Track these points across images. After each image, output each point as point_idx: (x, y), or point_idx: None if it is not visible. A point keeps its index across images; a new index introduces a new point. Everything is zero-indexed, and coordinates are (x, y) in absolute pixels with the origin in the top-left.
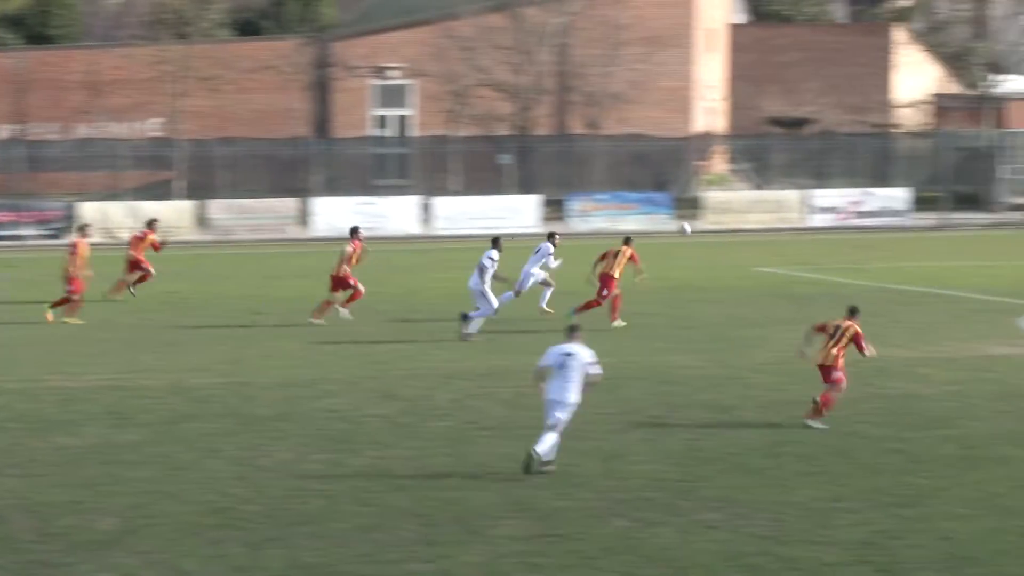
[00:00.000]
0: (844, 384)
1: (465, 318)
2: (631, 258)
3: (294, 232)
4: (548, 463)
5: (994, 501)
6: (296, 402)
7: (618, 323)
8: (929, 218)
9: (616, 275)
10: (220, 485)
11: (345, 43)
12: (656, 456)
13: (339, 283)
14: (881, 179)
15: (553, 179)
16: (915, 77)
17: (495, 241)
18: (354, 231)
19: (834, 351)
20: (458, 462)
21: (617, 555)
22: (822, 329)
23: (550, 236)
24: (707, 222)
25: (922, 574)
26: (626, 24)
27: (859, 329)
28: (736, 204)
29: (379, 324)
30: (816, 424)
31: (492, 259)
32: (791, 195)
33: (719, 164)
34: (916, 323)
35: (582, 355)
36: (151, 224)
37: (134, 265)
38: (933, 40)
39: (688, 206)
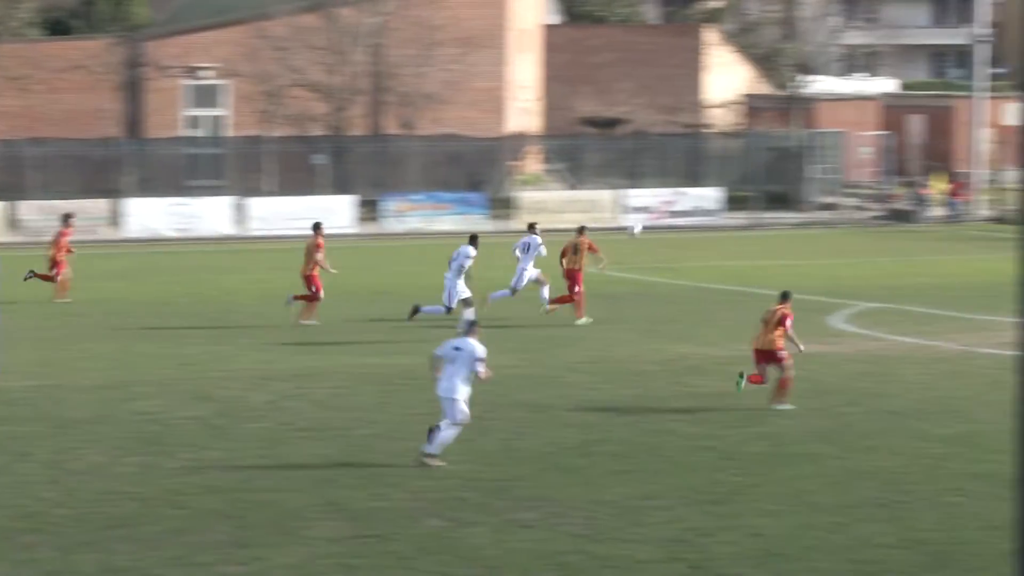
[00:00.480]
0: (789, 362)
1: (417, 311)
2: (590, 247)
3: (106, 233)
4: (433, 457)
5: (803, 498)
6: (109, 405)
7: (583, 320)
8: (740, 217)
9: (579, 268)
10: (31, 490)
11: (157, 43)
12: (472, 456)
13: (309, 281)
14: (693, 179)
15: (368, 179)
16: (726, 78)
17: (473, 238)
18: (316, 227)
19: (771, 336)
20: (272, 463)
21: (432, 555)
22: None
23: (531, 227)
24: (521, 222)
25: (734, 570)
26: (440, 25)
27: (789, 312)
28: (550, 204)
29: (193, 326)
30: (784, 406)
31: (470, 256)
32: (605, 195)
33: (533, 164)
34: (728, 322)
35: (471, 350)
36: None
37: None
38: (743, 41)
39: (502, 206)
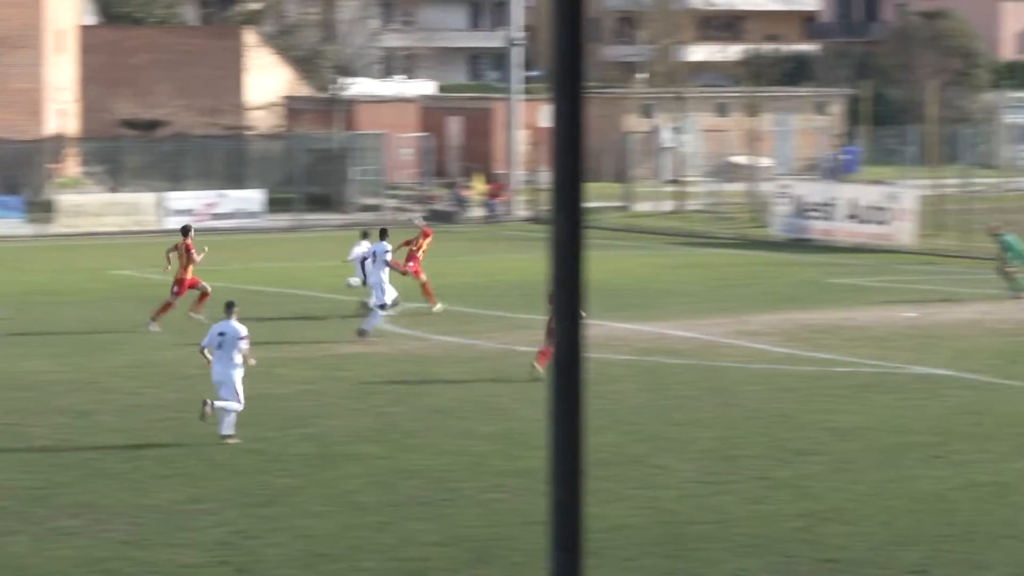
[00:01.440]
0: None
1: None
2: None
3: None
4: (230, 437)
5: (349, 498)
6: None
7: (438, 307)
8: (283, 219)
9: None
10: None
11: None
12: (10, 464)
13: (190, 284)
14: (236, 181)
15: None
16: (267, 80)
17: (383, 232)
18: (186, 230)
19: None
20: None
21: None
22: None
23: (382, 234)
24: (61, 225)
25: (280, 572)
26: None
27: None
28: (90, 207)
29: None
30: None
31: (388, 250)
32: (146, 198)
33: (72, 167)
34: (271, 323)
35: (234, 332)
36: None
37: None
38: (283, 43)
39: (41, 209)
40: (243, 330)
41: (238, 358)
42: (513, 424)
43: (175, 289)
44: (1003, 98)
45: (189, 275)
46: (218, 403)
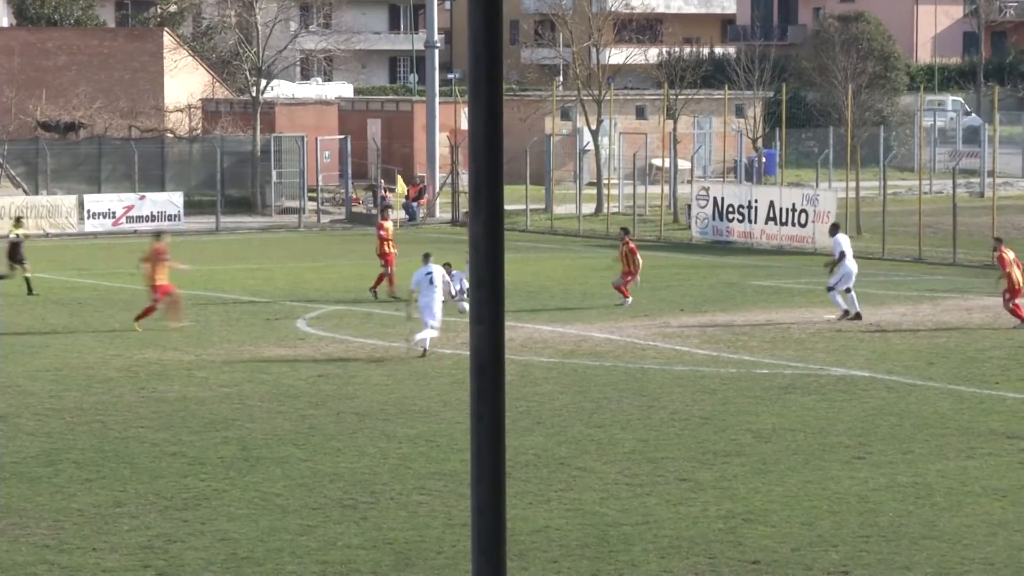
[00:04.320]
0: None
1: None
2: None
3: None
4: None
5: (272, 501)
6: None
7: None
8: (203, 222)
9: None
10: None
11: None
12: None
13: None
14: (155, 183)
15: None
16: (185, 82)
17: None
18: (158, 235)
19: None
20: None
21: None
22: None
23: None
24: None
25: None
26: None
27: None
28: (8, 210)
29: None
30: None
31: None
32: (65, 200)
33: None
34: (192, 326)
35: (436, 272)
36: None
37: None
38: (201, 45)
39: None
40: (442, 270)
41: (439, 291)
42: (435, 426)
43: (155, 296)
44: (920, 101)
45: (164, 280)
46: (418, 335)
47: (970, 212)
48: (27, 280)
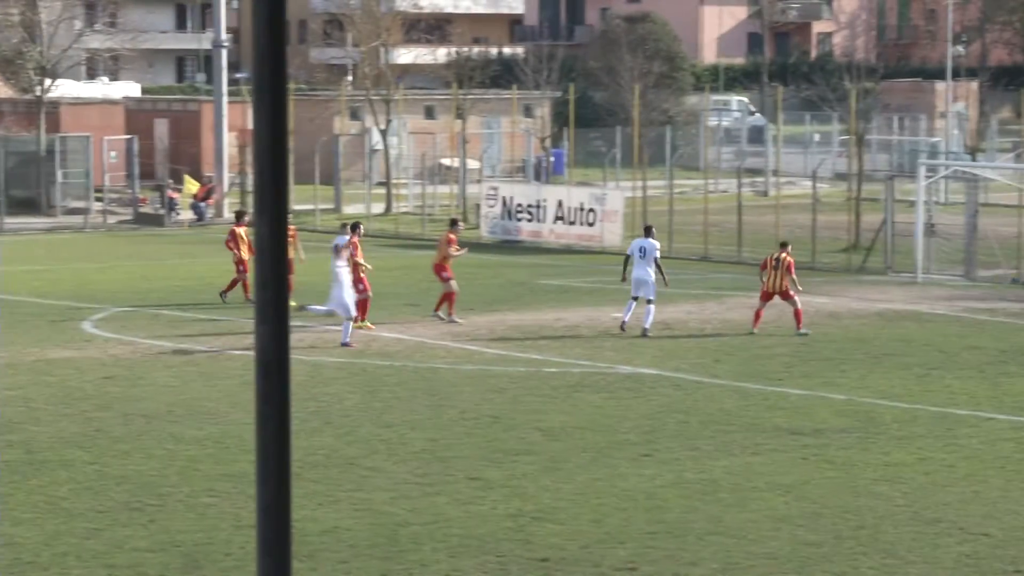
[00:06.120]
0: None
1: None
2: None
3: None
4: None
5: (57, 504)
6: None
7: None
8: None
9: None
10: None
11: None
12: None
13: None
14: None
15: None
16: None
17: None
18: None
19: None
20: None
21: None
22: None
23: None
24: None
25: None
26: None
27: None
28: None
29: None
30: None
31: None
32: None
33: None
34: None
35: (651, 245)
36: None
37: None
38: None
39: None
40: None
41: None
42: (224, 428)
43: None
44: (705, 101)
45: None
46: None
47: (755, 211)
48: None
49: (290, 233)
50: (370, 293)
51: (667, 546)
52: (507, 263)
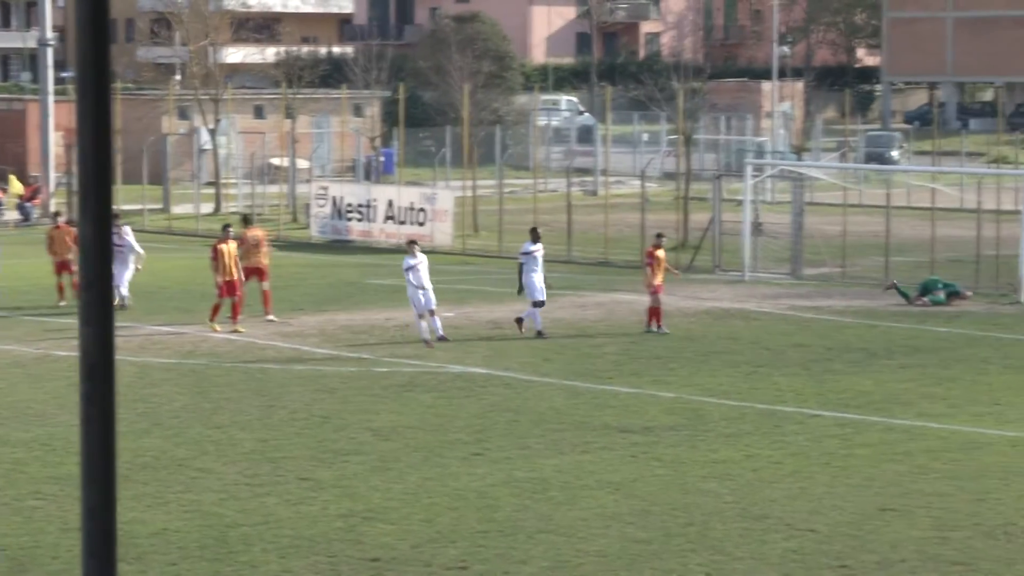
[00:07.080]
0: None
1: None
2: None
3: None
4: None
5: None
6: None
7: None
8: None
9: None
10: None
11: None
12: None
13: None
14: None
15: None
16: None
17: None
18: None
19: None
20: None
21: None
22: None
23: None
24: None
25: None
26: None
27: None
28: None
29: None
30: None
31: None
32: None
33: None
34: None
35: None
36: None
37: None
38: None
39: None
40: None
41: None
42: (51, 430)
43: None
44: (535, 100)
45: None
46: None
47: (584, 210)
48: None
49: (259, 238)
50: (239, 294)
51: (498, 545)
52: (337, 263)
